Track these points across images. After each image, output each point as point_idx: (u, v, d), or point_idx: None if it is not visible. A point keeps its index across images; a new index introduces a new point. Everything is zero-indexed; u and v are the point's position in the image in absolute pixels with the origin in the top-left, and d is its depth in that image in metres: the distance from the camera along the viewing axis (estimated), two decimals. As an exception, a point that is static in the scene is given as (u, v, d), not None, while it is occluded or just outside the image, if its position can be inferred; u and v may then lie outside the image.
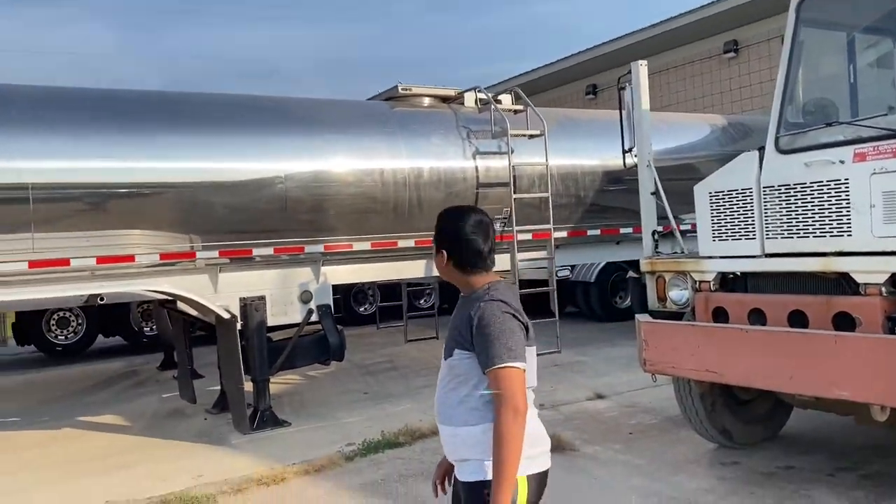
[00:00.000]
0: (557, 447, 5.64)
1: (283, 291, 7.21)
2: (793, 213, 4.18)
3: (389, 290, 13.34)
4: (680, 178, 9.08)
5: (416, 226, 7.62)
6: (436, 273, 8.15)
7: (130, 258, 6.36)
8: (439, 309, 12.83)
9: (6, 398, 9.53)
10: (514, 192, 7.85)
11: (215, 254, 6.74)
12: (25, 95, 6.22)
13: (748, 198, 4.42)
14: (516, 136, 7.95)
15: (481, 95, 8.29)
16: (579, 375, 8.48)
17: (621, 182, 8.84)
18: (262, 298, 6.96)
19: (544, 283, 8.68)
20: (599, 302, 12.92)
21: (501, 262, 8.34)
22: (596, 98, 17.16)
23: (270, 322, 7.03)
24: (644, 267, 5.17)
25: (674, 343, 4.58)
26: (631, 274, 11.54)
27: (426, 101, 8.31)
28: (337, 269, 7.56)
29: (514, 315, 2.28)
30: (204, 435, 6.88)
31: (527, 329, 2.33)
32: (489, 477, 2.22)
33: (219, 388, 7.80)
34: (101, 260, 6.22)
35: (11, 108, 6.00)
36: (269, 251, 7.00)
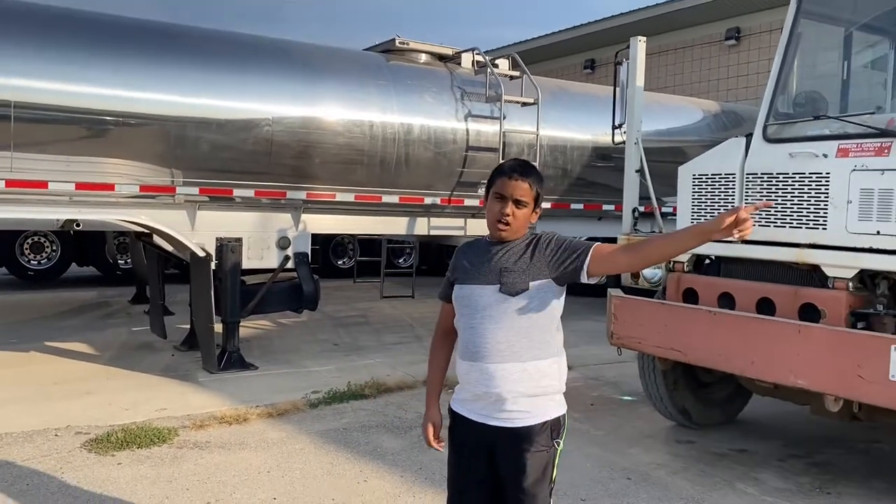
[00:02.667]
0: (519, 412, 5.73)
1: (261, 235, 7.19)
2: (772, 201, 4.22)
3: (369, 245, 13.36)
4: (666, 161, 9.11)
5: (402, 182, 7.62)
6: (418, 231, 8.25)
7: (110, 187, 6.30)
8: (417, 269, 12.85)
9: (-26, 317, 9.49)
10: (503, 159, 7.83)
11: (195, 191, 6.70)
12: (21, 12, 6.07)
13: (730, 183, 4.46)
14: (510, 101, 7.91)
15: (479, 58, 8.22)
16: (548, 346, 8.56)
17: (608, 159, 8.88)
18: (239, 240, 6.94)
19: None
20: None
21: (482, 227, 8.36)
22: (594, 73, 17.08)
23: (246, 265, 7.03)
24: (621, 243, 5.20)
25: (642, 319, 4.64)
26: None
27: (422, 57, 8.24)
28: (317, 219, 7.53)
29: None
30: (170, 370, 6.90)
31: None
32: (553, 416, 2.42)
33: (188, 326, 7.82)
34: (80, 186, 6.17)
35: (12, 23, 5.87)
36: (251, 193, 6.96)
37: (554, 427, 2.44)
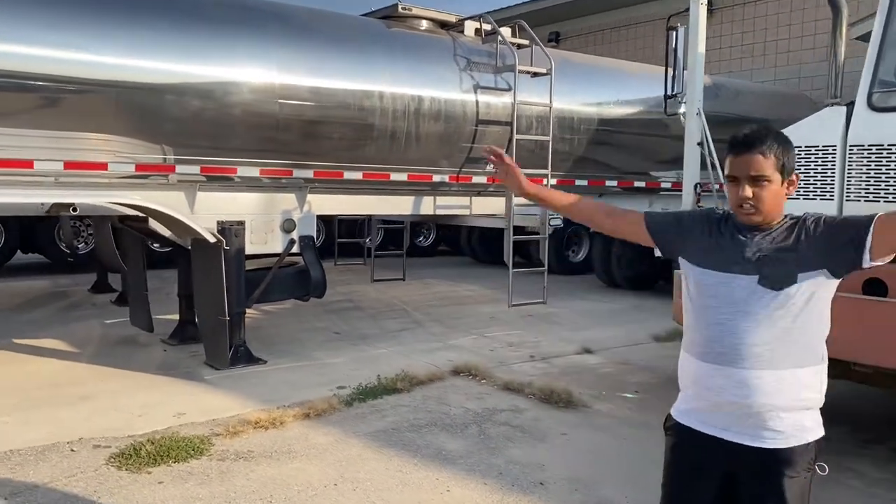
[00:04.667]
0: (570, 403, 5.40)
1: (264, 218, 6.60)
2: (882, 175, 3.95)
3: (327, 226, 12.71)
4: (648, 134, 8.89)
5: (411, 158, 7.12)
6: (423, 211, 7.76)
7: (102, 166, 5.60)
8: (380, 248, 12.31)
9: (-79, 313, 8.53)
10: (516, 132, 7.40)
11: (196, 169, 6.05)
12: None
13: (830, 155, 4.16)
14: (524, 72, 7.47)
15: (486, 25, 7.74)
16: (558, 328, 8.26)
17: (614, 133, 8.60)
18: (242, 224, 6.32)
19: (523, 230, 8.32)
20: (555, 255, 12.77)
21: (496, 206, 7.96)
22: (558, 45, 16.72)
23: (249, 250, 6.43)
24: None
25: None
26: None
27: (424, 24, 7.70)
28: (322, 199, 6.97)
29: None
30: (169, 368, 6.26)
31: None
32: (816, 435, 2.03)
33: (167, 316, 7.17)
34: (69, 165, 5.45)
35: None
36: (255, 172, 6.35)
37: (815, 449, 2.06)
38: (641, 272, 11.10)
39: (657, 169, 9.44)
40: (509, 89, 7.52)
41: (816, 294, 2.00)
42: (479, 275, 12.64)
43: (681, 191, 9.74)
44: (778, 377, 1.99)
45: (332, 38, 6.72)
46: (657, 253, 2.31)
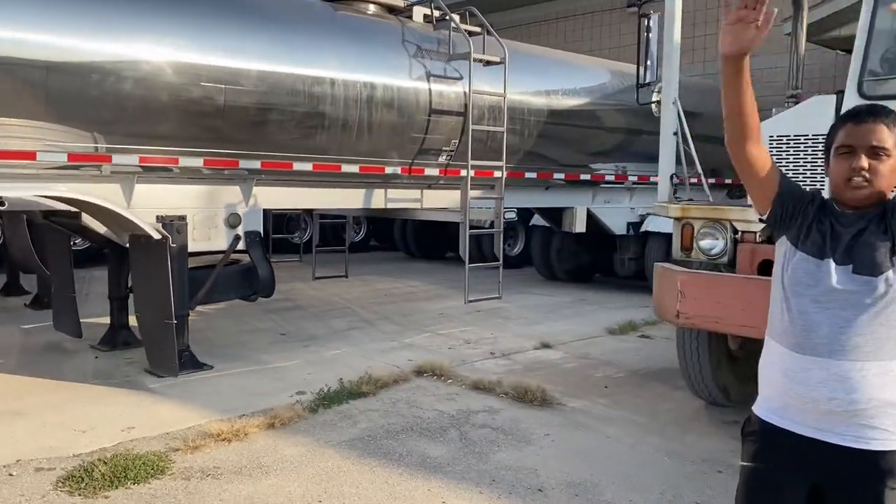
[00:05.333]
0: (545, 401, 5.22)
1: (206, 213, 6.15)
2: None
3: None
4: (582, 125, 8.85)
5: (363, 149, 6.78)
6: (374, 205, 7.43)
7: (31, 155, 5.04)
8: (352, 245, 11.89)
9: None
10: (472, 122, 7.16)
11: (135, 160, 5.55)
12: None
13: (820, 144, 4.10)
14: (478, 60, 7.24)
15: (436, 11, 7.47)
16: (510, 323, 8.10)
17: (563, 125, 8.50)
18: (184, 219, 5.85)
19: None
20: (491, 249, 12.63)
21: (448, 199, 7.71)
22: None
23: (191, 247, 5.95)
24: (673, 212, 4.74)
25: (719, 296, 4.22)
26: (537, 221, 11.30)
27: (371, 8, 7.36)
28: (269, 192, 6.56)
29: None
30: (106, 377, 5.73)
31: None
32: None
33: (91, 319, 6.65)
34: (-7, 154, 4.87)
35: None
36: (199, 162, 5.88)
37: None
38: (581, 265, 11.10)
39: (600, 161, 9.40)
40: (461, 78, 7.28)
41: None
42: (417, 270, 12.37)
43: (623, 183, 9.87)
44: (885, 369, 1.83)
45: (278, 20, 6.30)
46: (760, 215, 2.07)
